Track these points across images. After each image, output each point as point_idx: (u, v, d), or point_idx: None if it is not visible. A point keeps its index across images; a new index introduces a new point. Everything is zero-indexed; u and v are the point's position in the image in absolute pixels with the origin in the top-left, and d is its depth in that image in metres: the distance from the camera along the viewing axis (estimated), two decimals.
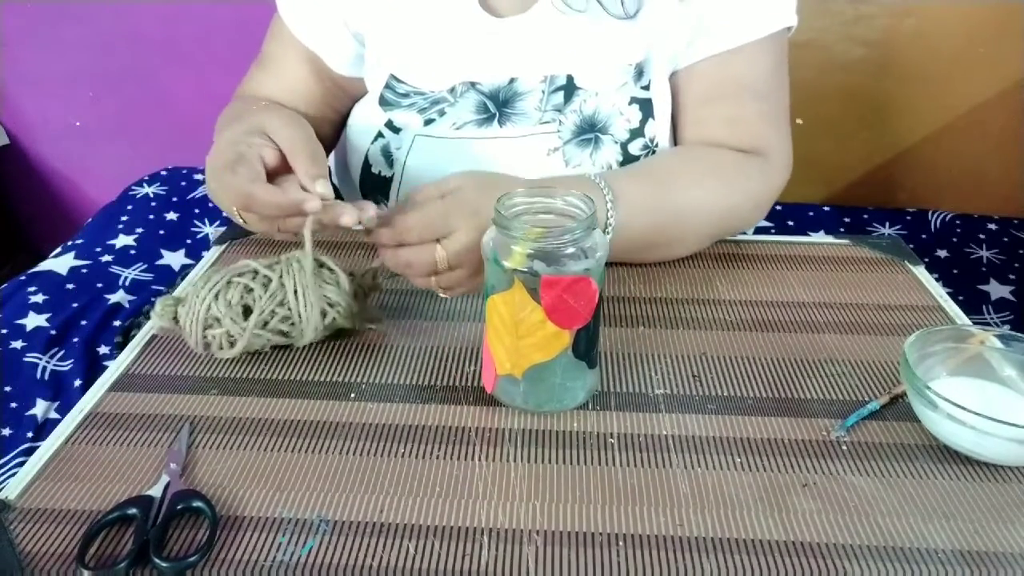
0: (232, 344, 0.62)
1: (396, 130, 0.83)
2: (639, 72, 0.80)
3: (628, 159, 0.81)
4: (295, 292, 0.61)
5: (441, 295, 0.67)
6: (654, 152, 0.82)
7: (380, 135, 0.83)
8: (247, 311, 0.61)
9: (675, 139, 0.86)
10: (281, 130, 0.66)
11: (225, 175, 0.63)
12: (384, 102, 0.83)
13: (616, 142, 0.80)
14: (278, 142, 0.66)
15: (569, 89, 0.80)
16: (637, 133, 0.80)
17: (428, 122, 0.81)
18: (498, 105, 0.81)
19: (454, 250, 0.61)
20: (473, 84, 0.81)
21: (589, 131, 0.80)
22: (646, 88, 0.81)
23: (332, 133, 0.93)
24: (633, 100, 0.80)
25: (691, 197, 0.75)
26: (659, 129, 0.82)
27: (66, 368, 0.96)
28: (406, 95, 0.82)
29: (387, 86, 0.82)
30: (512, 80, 0.80)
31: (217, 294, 0.61)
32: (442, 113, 0.81)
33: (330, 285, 0.63)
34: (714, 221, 0.78)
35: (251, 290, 0.61)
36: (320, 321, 0.63)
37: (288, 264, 0.62)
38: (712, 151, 0.80)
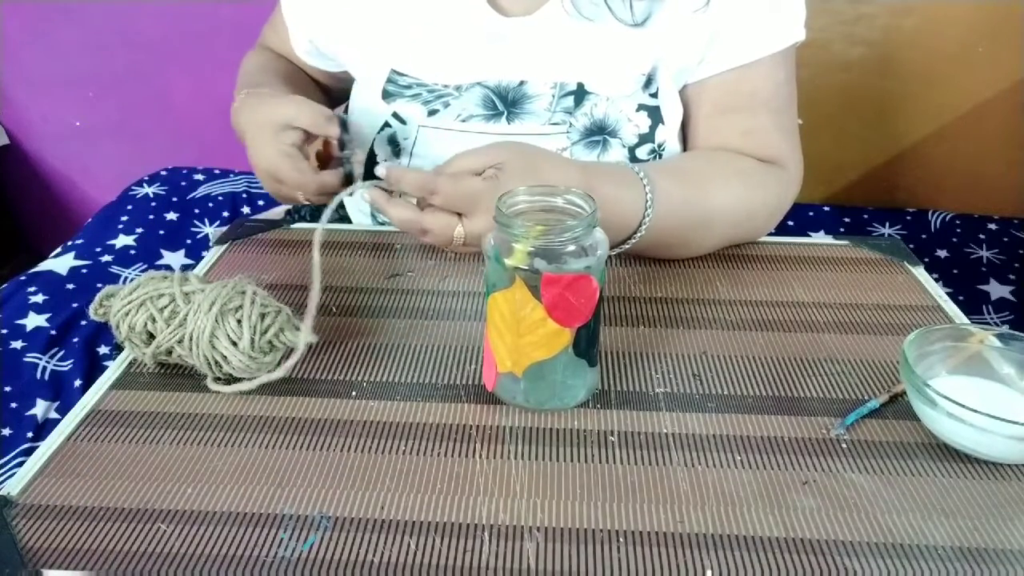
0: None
1: (403, 121, 0.83)
2: (648, 80, 0.80)
3: (635, 163, 0.81)
4: (190, 338, 0.58)
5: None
6: (661, 157, 0.82)
7: (387, 125, 0.84)
8: (152, 336, 0.60)
9: (685, 148, 0.86)
10: (302, 112, 0.74)
11: (280, 169, 0.73)
12: (387, 95, 0.83)
13: (624, 146, 0.81)
14: (303, 125, 0.74)
15: (580, 95, 0.80)
16: (647, 138, 0.81)
17: (432, 113, 0.82)
18: (507, 104, 0.81)
19: (474, 231, 0.61)
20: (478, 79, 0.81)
21: (598, 133, 0.80)
22: (654, 96, 0.81)
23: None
24: (641, 107, 0.80)
25: (718, 201, 0.75)
26: (668, 134, 0.82)
27: (66, 368, 0.96)
28: (408, 86, 0.82)
29: (389, 80, 0.83)
30: (522, 83, 0.80)
31: (127, 312, 0.60)
32: (446, 105, 0.81)
33: (231, 336, 0.59)
34: (735, 224, 0.78)
35: (155, 320, 0.60)
36: (210, 371, 0.60)
37: (208, 297, 0.59)
38: (737, 156, 0.80)
